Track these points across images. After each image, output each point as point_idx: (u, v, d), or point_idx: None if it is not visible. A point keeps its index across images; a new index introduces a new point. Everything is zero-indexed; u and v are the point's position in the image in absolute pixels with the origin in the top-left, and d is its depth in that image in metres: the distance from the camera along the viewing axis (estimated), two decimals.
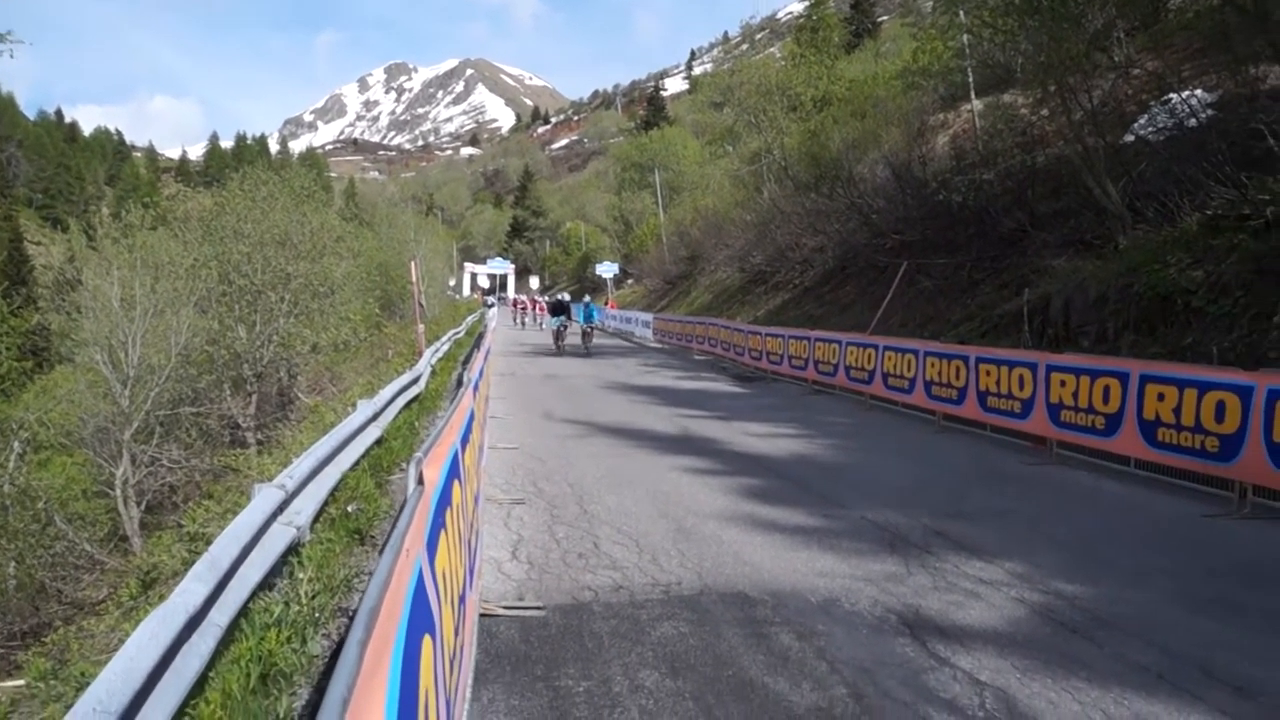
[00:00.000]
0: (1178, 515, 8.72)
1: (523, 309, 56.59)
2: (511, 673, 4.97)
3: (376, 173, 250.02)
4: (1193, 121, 17.39)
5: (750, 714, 4.50)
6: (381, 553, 2.43)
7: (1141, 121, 19.22)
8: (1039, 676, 4.93)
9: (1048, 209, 20.24)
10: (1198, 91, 18.38)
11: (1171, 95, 18.35)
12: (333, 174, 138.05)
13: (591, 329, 32.69)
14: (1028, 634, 5.58)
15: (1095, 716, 4.47)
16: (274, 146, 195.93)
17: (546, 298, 53.71)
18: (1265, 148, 12.86)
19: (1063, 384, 11.22)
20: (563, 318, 31.05)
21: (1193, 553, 7.42)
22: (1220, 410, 9.06)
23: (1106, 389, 10.49)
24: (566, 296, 35.11)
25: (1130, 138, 18.90)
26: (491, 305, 63.92)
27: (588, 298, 35.13)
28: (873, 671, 4.99)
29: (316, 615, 5.68)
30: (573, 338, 32.07)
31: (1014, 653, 5.25)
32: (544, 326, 38.43)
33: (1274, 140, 12.61)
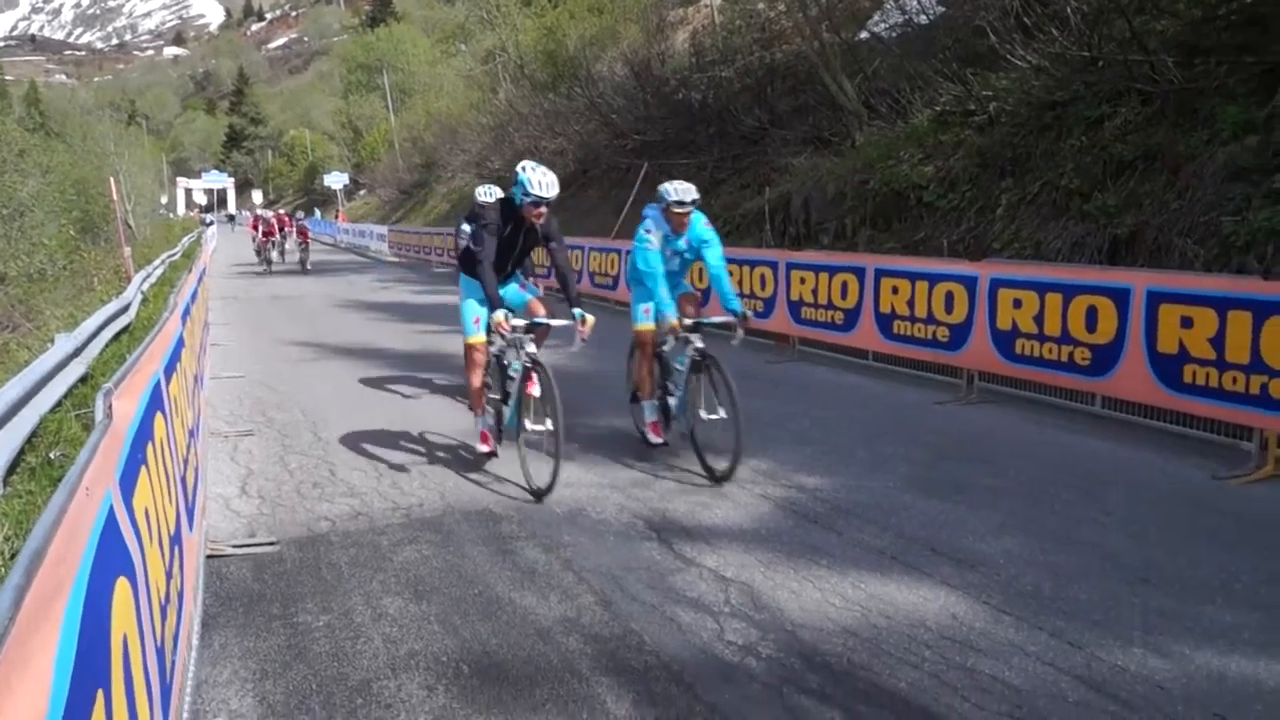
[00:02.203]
0: (912, 404, 9.08)
1: (268, 234, 31.32)
2: (245, 614, 4.68)
3: (64, 76, 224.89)
4: (923, 18, 17.99)
5: (497, 631, 4.42)
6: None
7: (875, 18, 19.76)
8: (782, 569, 5.06)
9: (787, 107, 20.61)
10: None
11: None
12: (8, 77, 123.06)
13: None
14: (771, 529, 5.72)
15: (834, 601, 4.63)
16: None
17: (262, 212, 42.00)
18: (988, 44, 13.40)
19: (803, 281, 11.39)
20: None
21: (924, 439, 7.72)
22: (949, 301, 9.39)
23: (844, 285, 10.71)
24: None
25: (865, 35, 19.41)
26: (210, 224, 60.05)
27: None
28: (620, 578, 5.00)
29: None
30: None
31: (758, 548, 5.37)
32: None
33: (995, 37, 13.13)
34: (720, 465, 6.60)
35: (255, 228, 32.55)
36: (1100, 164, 10.80)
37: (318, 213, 66.80)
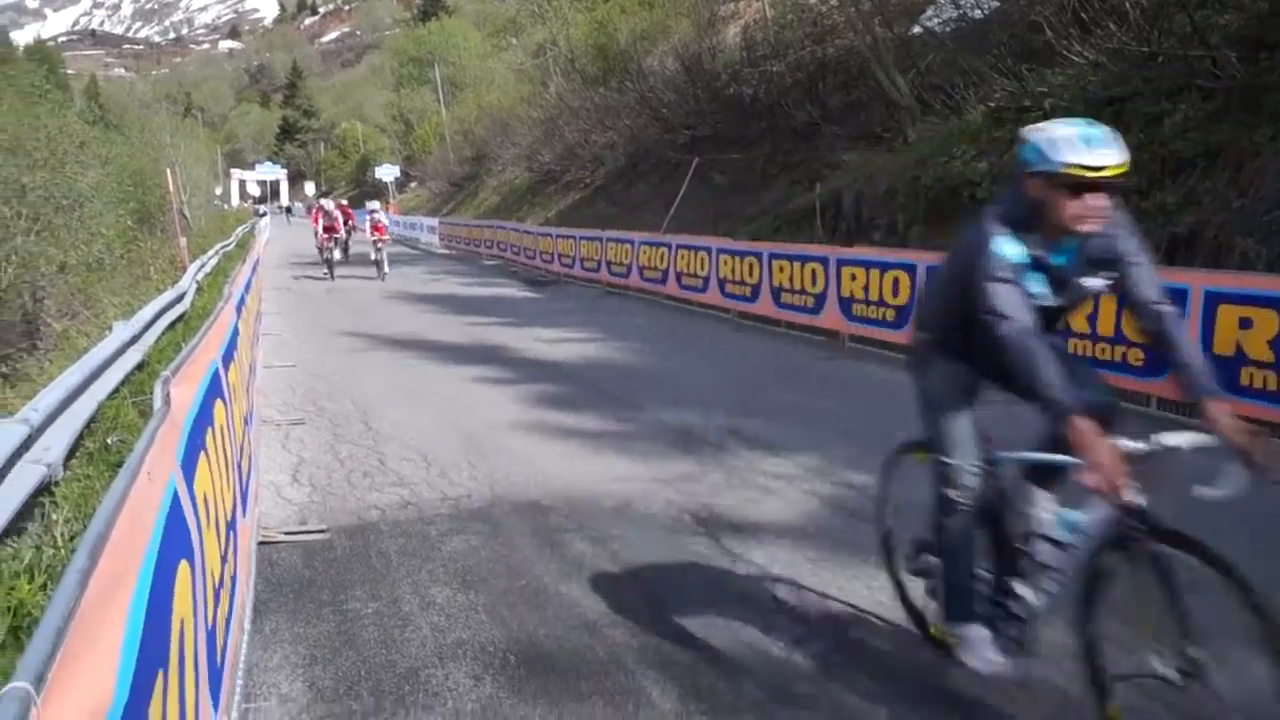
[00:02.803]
0: None
1: (329, 230, 24.35)
2: (295, 600, 4.74)
3: (122, 69, 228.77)
4: (977, 13, 17.76)
5: (544, 622, 4.43)
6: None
7: (928, 13, 19.53)
8: (829, 565, 5.00)
9: (839, 102, 20.46)
10: None
11: None
12: (69, 71, 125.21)
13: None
14: (820, 525, 5.66)
15: (883, 599, 4.54)
16: None
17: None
18: (1044, 40, 13.19)
19: (854, 278, 11.33)
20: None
21: None
22: None
23: (896, 281, 10.64)
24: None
25: (918, 29, 19.20)
26: (263, 215, 60.73)
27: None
28: (667, 572, 4.99)
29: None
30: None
31: (806, 545, 5.31)
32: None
33: (1052, 32, 12.93)
34: None
35: (316, 221, 25.35)
36: (1159, 161, 10.59)
37: (369, 204, 67.18)
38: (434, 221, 42.17)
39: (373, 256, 23.20)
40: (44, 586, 4.66)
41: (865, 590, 4.67)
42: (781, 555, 5.15)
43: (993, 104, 14.02)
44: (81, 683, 1.36)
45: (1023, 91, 13.34)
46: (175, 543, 2.33)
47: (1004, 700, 3.64)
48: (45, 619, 1.41)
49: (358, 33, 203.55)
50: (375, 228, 23.53)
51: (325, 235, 24.21)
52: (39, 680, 1.24)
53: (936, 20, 19.01)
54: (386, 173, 62.84)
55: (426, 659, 4.09)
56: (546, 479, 6.65)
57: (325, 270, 23.94)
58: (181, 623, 2.23)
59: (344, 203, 27.04)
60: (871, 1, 18.29)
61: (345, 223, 25.24)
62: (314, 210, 27.59)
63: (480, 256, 30.57)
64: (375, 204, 26.14)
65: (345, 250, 25.36)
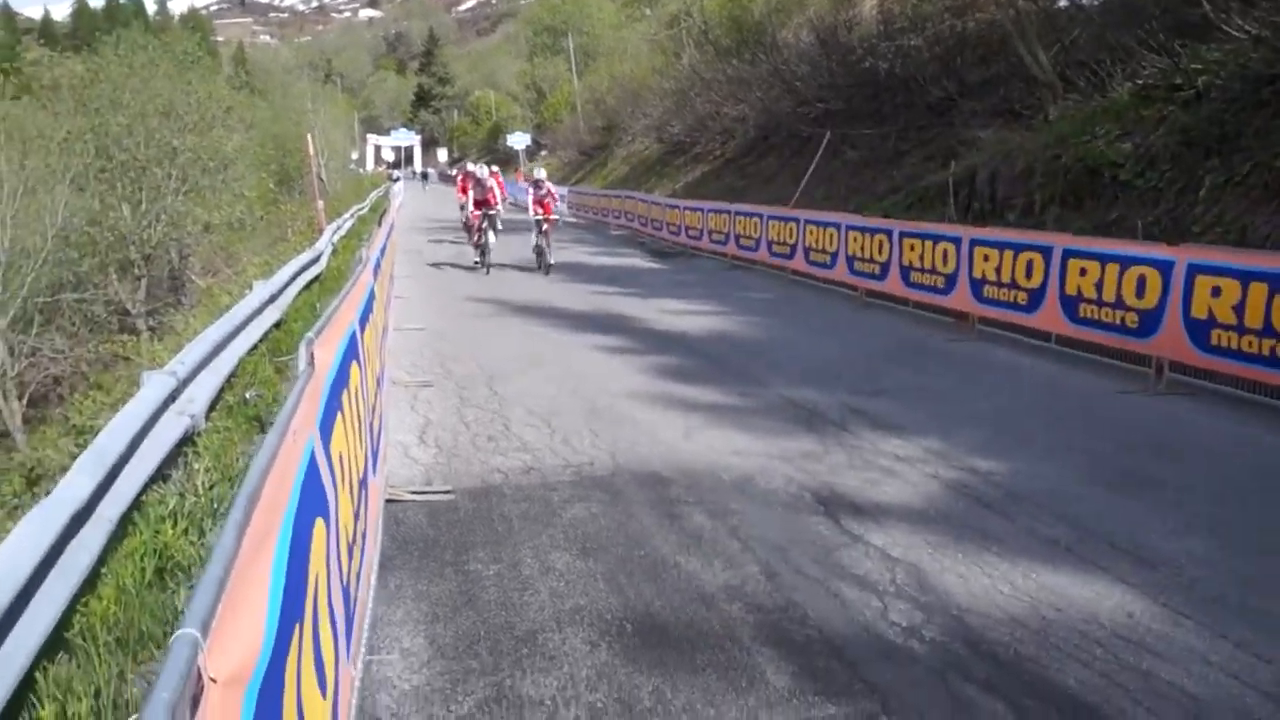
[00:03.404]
0: (1095, 392, 8.68)
1: (482, 205, 18.22)
2: (419, 558, 4.91)
3: (268, 37, 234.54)
4: None
5: (661, 593, 4.49)
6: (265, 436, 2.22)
7: None
8: (950, 551, 4.96)
9: (977, 77, 19.89)
10: None
11: None
12: (219, 38, 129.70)
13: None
14: (941, 510, 5.60)
15: (1003, 589, 4.52)
16: (150, 6, 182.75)
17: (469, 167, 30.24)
18: (1200, 14, 12.55)
19: (986, 259, 11.03)
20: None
21: (1108, 429, 7.39)
22: (1141, 286, 8.93)
23: (1029, 264, 10.32)
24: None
25: (1064, 2, 18.47)
26: (397, 179, 62.04)
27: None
28: (785, 549, 4.99)
29: (215, 506, 5.51)
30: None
31: (926, 529, 5.28)
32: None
33: (1209, 6, 12.30)
34: None
35: (464, 191, 20.24)
36: None
37: (537, 173, 67.90)
38: (563, 190, 42.53)
39: (534, 241, 18.29)
40: (185, 531, 4.99)
41: (985, 578, 4.62)
42: (901, 539, 5.12)
43: (1140, 81, 13.44)
44: (240, 631, 1.46)
45: (1174, 69, 12.75)
46: (312, 501, 2.43)
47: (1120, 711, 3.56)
48: (208, 569, 1.51)
49: (493, 2, 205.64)
50: (541, 203, 18.08)
51: (476, 211, 18.68)
52: (205, 627, 1.33)
53: None
54: (518, 140, 63.43)
55: (544, 623, 4.19)
56: (668, 450, 6.71)
57: (477, 256, 18.66)
58: (317, 577, 2.33)
59: (496, 170, 20.81)
60: None
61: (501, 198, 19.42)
62: (460, 176, 22.70)
63: (608, 226, 30.71)
64: (542, 172, 19.75)
65: (496, 230, 18.86)
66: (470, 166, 22.00)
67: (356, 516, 3.57)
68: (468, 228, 20.23)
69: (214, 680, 1.30)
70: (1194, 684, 3.67)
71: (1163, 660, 3.84)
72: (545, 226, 17.97)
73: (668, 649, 3.97)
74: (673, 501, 5.72)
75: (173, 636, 1.28)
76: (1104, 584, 4.57)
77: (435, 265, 19.83)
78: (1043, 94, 16.35)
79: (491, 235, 18.43)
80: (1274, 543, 5.10)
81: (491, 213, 18.44)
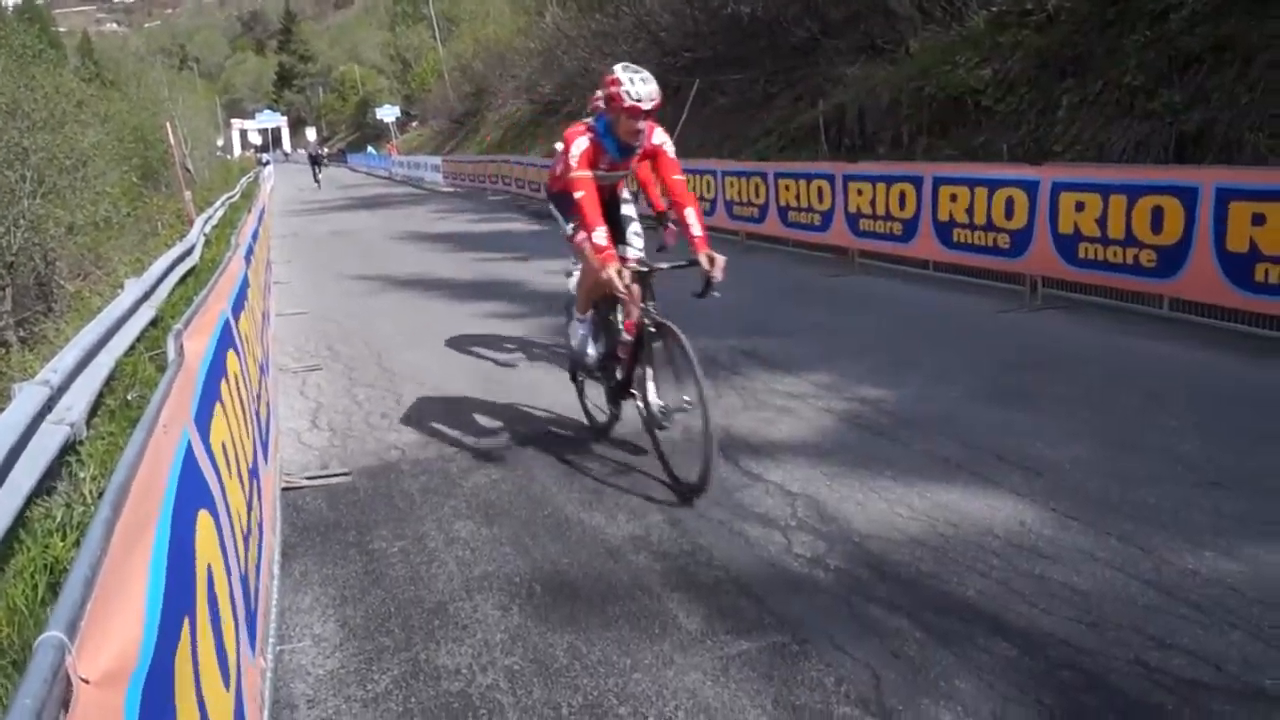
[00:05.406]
0: (975, 313, 8.96)
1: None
2: (322, 543, 4.82)
3: (114, 24, 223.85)
4: None
5: (568, 550, 4.51)
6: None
7: None
8: (847, 481, 5.07)
9: (839, 16, 20.07)
10: None
11: None
12: (61, 28, 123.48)
13: None
14: (836, 442, 5.71)
15: (901, 511, 4.64)
16: None
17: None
18: None
19: (860, 193, 11.23)
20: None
21: (989, 348, 7.65)
22: (1010, 207, 9.21)
23: (902, 195, 10.54)
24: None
25: None
26: (267, 163, 60.40)
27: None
28: (687, 496, 5.00)
29: None
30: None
31: (823, 462, 5.37)
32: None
33: None
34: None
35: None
36: (1166, 59, 10.41)
37: (370, 149, 67.17)
38: (437, 160, 41.86)
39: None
40: (76, 542, 4.76)
41: (883, 503, 4.73)
42: (799, 473, 5.20)
43: (995, 9, 13.77)
44: (111, 629, 1.41)
45: None
46: (193, 493, 2.36)
47: None
48: (74, 570, 1.45)
49: None
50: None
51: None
52: (72, 629, 1.28)
53: None
54: (387, 113, 62.29)
55: (454, 593, 4.16)
56: (563, 409, 6.68)
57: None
58: (209, 568, 2.27)
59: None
60: None
61: None
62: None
63: (486, 192, 30.36)
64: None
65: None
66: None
67: (250, 507, 3.48)
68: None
69: (86, 681, 1.25)
70: (1083, 581, 3.83)
71: (1054, 563, 4.00)
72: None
73: (579, 605, 3.97)
74: (571, 459, 5.72)
75: (36, 641, 1.22)
76: (996, 496, 4.72)
77: (312, 244, 19.34)
78: (903, 27, 16.62)
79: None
80: (1149, 439, 5.35)
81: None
